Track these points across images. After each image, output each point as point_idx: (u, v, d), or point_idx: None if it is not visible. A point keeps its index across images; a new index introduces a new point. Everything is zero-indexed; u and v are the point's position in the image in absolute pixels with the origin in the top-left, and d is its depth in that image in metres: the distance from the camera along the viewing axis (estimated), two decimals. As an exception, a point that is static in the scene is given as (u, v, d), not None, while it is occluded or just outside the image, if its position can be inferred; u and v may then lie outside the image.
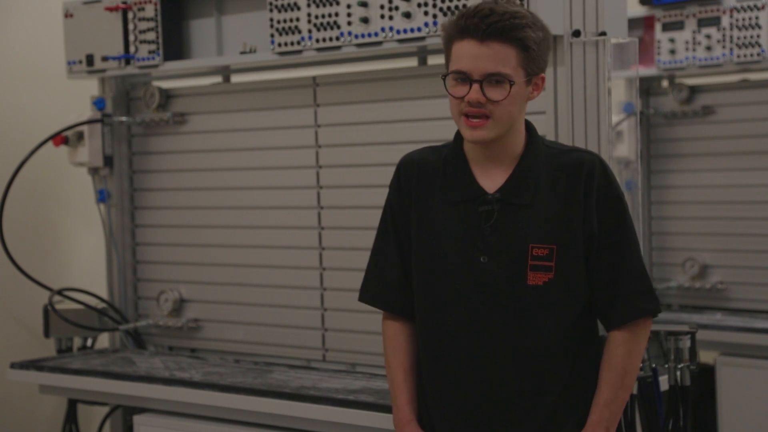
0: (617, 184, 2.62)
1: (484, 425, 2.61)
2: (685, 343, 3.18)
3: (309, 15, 3.66)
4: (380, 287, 2.76)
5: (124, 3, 4.16)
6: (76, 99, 4.67)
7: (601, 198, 2.58)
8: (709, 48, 4.91)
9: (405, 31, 3.47)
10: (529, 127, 2.65)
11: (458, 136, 2.67)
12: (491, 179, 2.60)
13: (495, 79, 2.49)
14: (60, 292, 4.34)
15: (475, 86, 2.50)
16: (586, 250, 2.58)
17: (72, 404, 4.44)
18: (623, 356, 2.59)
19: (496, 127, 2.53)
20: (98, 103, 4.39)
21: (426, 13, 3.42)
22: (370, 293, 2.79)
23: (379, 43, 3.54)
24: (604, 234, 2.58)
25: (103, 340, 4.60)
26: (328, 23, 3.63)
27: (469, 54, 2.50)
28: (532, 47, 2.51)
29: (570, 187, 2.57)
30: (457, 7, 3.36)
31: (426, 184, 2.67)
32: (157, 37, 4.09)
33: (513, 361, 2.58)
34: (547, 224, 2.56)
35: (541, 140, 2.65)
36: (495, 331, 2.58)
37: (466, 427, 2.63)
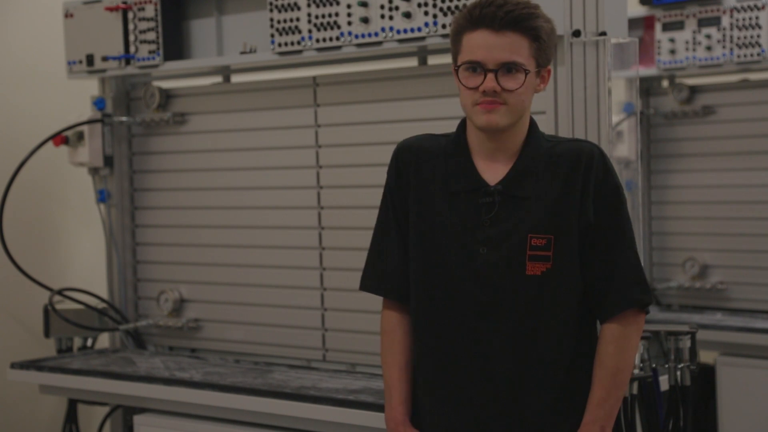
0: (615, 175, 2.63)
1: (480, 420, 2.61)
2: (685, 343, 3.18)
3: (309, 15, 3.66)
4: (381, 275, 2.74)
5: (124, 3, 4.17)
6: (76, 99, 4.67)
7: (599, 187, 2.58)
8: (709, 48, 4.91)
9: (405, 31, 3.47)
10: (530, 121, 2.66)
11: (461, 127, 2.68)
12: (493, 171, 2.61)
13: (509, 68, 2.51)
14: (60, 292, 4.34)
15: (490, 75, 2.51)
16: (582, 240, 2.58)
17: (72, 404, 4.45)
18: (614, 354, 2.59)
19: (509, 114, 2.54)
20: (98, 103, 4.39)
21: (426, 13, 3.42)
22: (370, 281, 2.77)
23: (379, 43, 3.54)
24: (600, 223, 2.58)
25: (103, 340, 4.60)
26: (328, 23, 3.63)
27: (484, 44, 2.51)
28: (543, 37, 2.54)
29: (568, 177, 2.58)
30: (457, 6, 3.36)
31: (425, 171, 2.67)
32: (157, 37, 4.10)
33: (511, 352, 2.58)
34: (545, 214, 2.57)
35: (541, 133, 2.66)
36: (493, 322, 2.58)
37: (460, 422, 2.62)
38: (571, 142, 2.66)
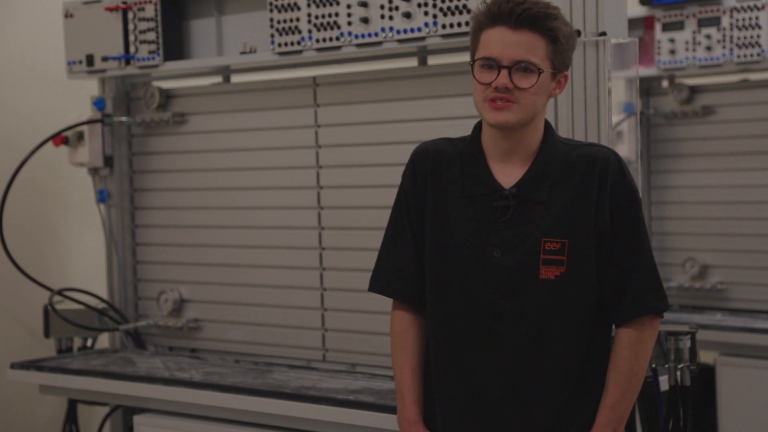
0: (632, 180, 2.62)
1: (492, 422, 2.61)
2: (685, 343, 3.17)
3: (309, 15, 3.66)
4: (392, 276, 2.73)
5: (124, 3, 4.17)
6: (76, 99, 4.67)
7: (615, 193, 2.57)
8: (709, 48, 4.91)
9: (405, 31, 3.47)
10: (546, 125, 2.65)
11: (476, 130, 2.67)
12: (508, 174, 2.61)
13: (523, 66, 2.50)
14: (60, 292, 4.34)
15: (504, 72, 2.50)
16: (598, 245, 2.58)
17: (72, 404, 4.44)
18: (629, 358, 2.59)
19: (520, 112, 2.52)
20: (98, 103, 4.39)
21: (426, 13, 3.42)
22: (381, 282, 2.75)
23: (379, 43, 3.54)
24: (616, 229, 2.58)
25: (103, 341, 4.60)
26: (328, 23, 3.63)
27: (500, 40, 2.50)
28: (561, 40, 2.53)
29: (584, 181, 2.57)
30: (457, 7, 3.36)
31: (441, 175, 2.66)
32: (157, 37, 4.10)
33: (524, 355, 2.58)
34: (559, 218, 2.56)
35: (557, 137, 2.66)
36: (507, 325, 2.58)
37: (474, 424, 2.62)
38: (588, 146, 2.65)
